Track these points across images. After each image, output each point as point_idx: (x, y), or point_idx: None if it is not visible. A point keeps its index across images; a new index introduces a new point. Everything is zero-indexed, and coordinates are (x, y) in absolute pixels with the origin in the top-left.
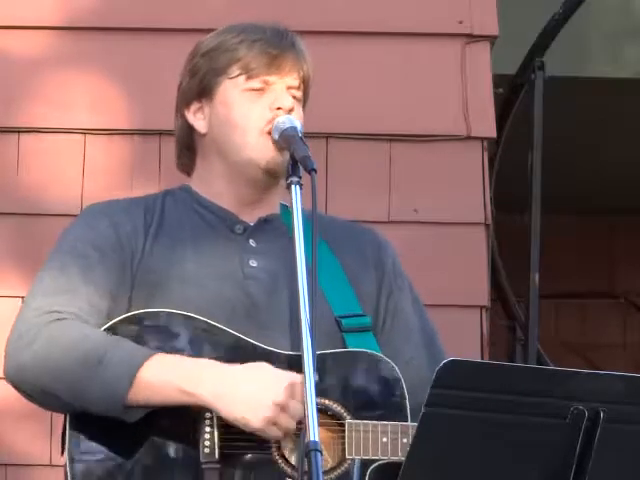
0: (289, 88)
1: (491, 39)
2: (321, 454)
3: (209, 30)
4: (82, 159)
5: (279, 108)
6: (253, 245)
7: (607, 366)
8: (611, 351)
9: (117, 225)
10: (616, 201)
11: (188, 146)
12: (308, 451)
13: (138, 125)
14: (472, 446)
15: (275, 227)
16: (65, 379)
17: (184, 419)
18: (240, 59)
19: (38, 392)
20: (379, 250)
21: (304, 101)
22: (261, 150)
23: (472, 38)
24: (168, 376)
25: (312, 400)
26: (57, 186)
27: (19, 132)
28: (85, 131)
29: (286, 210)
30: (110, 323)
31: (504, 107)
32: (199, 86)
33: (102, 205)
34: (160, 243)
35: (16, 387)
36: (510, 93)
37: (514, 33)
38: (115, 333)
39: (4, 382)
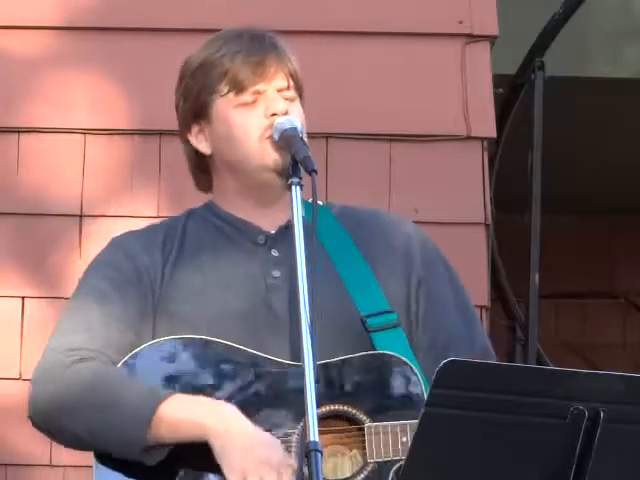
0: (279, 90)
1: (491, 39)
2: (321, 454)
3: (209, 30)
4: (82, 159)
5: (274, 114)
6: (275, 255)
7: (607, 366)
8: (611, 351)
9: (134, 257)
10: (616, 201)
11: (200, 168)
12: (308, 451)
13: (138, 125)
14: (472, 446)
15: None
16: (83, 422)
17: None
18: (226, 74)
19: (59, 433)
20: (408, 240)
21: (300, 96)
22: (264, 154)
23: (472, 38)
24: (186, 414)
25: (312, 400)
26: (57, 186)
27: (19, 132)
28: (85, 131)
29: (307, 206)
30: (129, 355)
31: (504, 107)
32: (194, 108)
33: (120, 238)
34: (180, 269)
35: (38, 428)
36: (510, 93)
37: (514, 33)
38: (134, 364)
39: (4, 382)
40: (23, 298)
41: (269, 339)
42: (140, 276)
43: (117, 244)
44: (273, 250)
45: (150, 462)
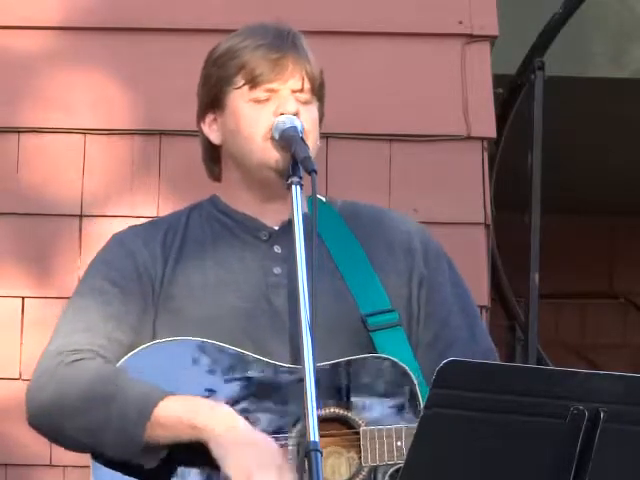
0: (293, 92)
1: (491, 39)
2: (321, 454)
3: (210, 30)
4: (82, 159)
5: (282, 114)
6: (277, 251)
7: (607, 366)
8: (611, 351)
9: (134, 254)
10: (616, 201)
11: (211, 157)
12: (308, 451)
13: (138, 125)
14: (472, 446)
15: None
16: (82, 424)
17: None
18: (244, 66)
19: (58, 435)
20: (409, 237)
21: (320, 100)
22: (266, 153)
23: (472, 38)
24: (181, 415)
25: (312, 400)
26: (57, 186)
27: (19, 132)
28: (85, 131)
29: (310, 203)
30: (128, 355)
31: (504, 107)
32: (210, 96)
33: (121, 234)
34: (182, 265)
35: (38, 431)
36: (510, 93)
37: (514, 33)
38: (133, 365)
39: (4, 382)
40: (23, 298)
41: (270, 337)
42: (140, 274)
43: (117, 241)
44: (276, 246)
45: (149, 464)
